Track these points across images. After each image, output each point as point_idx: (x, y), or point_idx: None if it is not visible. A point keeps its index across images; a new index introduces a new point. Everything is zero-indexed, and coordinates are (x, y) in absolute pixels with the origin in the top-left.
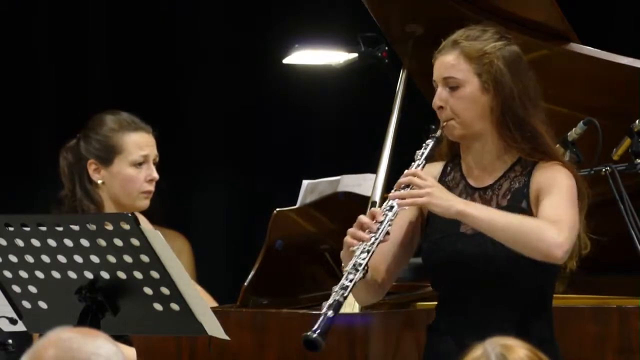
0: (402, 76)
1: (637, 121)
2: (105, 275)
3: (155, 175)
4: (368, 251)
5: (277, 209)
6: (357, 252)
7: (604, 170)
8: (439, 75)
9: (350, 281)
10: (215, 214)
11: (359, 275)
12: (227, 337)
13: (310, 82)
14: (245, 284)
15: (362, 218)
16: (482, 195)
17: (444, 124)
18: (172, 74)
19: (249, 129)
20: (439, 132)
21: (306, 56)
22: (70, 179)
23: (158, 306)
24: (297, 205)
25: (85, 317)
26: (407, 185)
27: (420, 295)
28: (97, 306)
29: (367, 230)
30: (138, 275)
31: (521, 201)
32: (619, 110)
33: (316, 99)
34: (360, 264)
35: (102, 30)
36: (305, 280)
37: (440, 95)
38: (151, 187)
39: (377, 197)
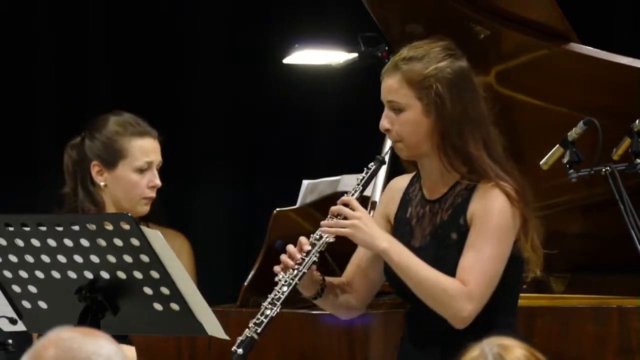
0: None
1: (637, 121)
2: (105, 275)
3: (158, 182)
4: (289, 284)
5: (277, 209)
6: (278, 286)
7: (604, 170)
8: (383, 98)
9: (266, 317)
10: (215, 214)
11: (275, 310)
12: (227, 337)
13: (310, 82)
14: (245, 284)
15: (290, 248)
16: (432, 207)
17: (393, 144)
18: (172, 74)
19: (249, 129)
20: (384, 154)
21: (306, 56)
22: (73, 177)
23: (158, 306)
24: (297, 205)
25: (85, 317)
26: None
27: None
28: (97, 306)
29: (294, 261)
30: (138, 275)
31: (460, 217)
32: (619, 110)
33: (316, 99)
34: (279, 298)
35: (102, 30)
36: None
37: (387, 117)
38: (153, 194)
39: (377, 197)
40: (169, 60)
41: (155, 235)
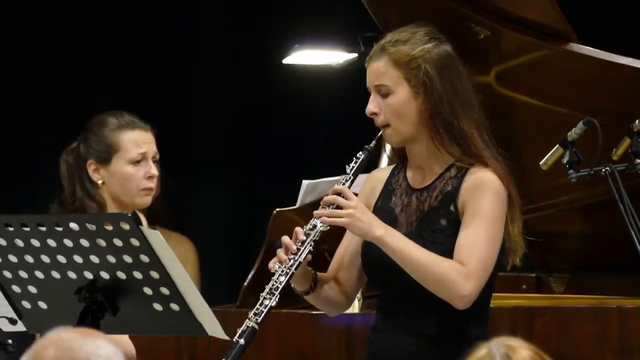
0: None
1: (637, 121)
2: (105, 275)
3: (154, 172)
4: (286, 274)
5: (277, 209)
6: (276, 276)
7: (603, 170)
8: (370, 82)
9: (265, 307)
10: (215, 214)
11: (274, 300)
12: (227, 337)
13: (310, 82)
14: (245, 284)
15: (285, 239)
16: (419, 196)
17: (382, 131)
18: (172, 74)
19: (249, 129)
20: (372, 144)
21: (306, 56)
22: (70, 181)
23: (158, 306)
24: (297, 205)
25: (85, 317)
26: (333, 203)
27: None
28: (97, 306)
29: (289, 252)
30: (138, 275)
31: (450, 204)
32: (619, 110)
33: (316, 99)
34: (277, 288)
35: (103, 31)
36: None
37: (373, 101)
38: (151, 184)
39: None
40: (170, 60)
41: (155, 236)
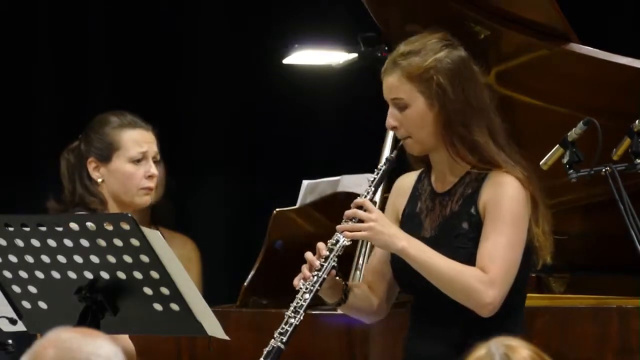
0: None
1: (637, 121)
2: (105, 275)
3: (154, 171)
4: (310, 291)
5: (277, 209)
6: (300, 293)
7: (603, 170)
8: (386, 96)
9: (290, 325)
10: (216, 214)
11: (299, 318)
12: (227, 337)
13: (310, 82)
14: (245, 284)
15: (308, 255)
16: (441, 200)
17: (402, 142)
18: (172, 74)
19: (249, 129)
20: (393, 154)
21: (306, 56)
22: (70, 180)
23: (158, 306)
24: (297, 205)
25: (85, 317)
26: (354, 217)
27: None
28: (97, 306)
29: (312, 269)
30: (138, 275)
31: (471, 207)
32: (619, 110)
33: (316, 99)
34: (302, 306)
35: (102, 30)
36: None
37: (392, 115)
38: (151, 184)
39: (377, 197)
40: (169, 60)
41: (155, 236)
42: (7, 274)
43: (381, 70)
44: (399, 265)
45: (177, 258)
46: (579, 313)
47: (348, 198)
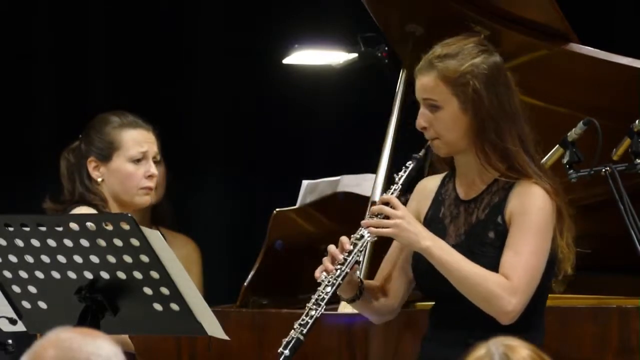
0: (402, 76)
1: (637, 121)
2: (105, 275)
3: (154, 171)
4: (333, 284)
5: (277, 209)
6: (322, 286)
7: (603, 170)
8: (419, 96)
9: (311, 317)
10: (215, 214)
11: (320, 310)
12: (227, 337)
13: (310, 82)
14: (245, 284)
15: (331, 249)
16: (467, 207)
17: (430, 142)
18: (172, 74)
19: (249, 129)
20: (421, 153)
21: (306, 56)
22: (69, 179)
23: (158, 306)
24: (297, 205)
25: (85, 317)
26: (380, 213)
27: (420, 295)
28: (97, 306)
29: (335, 262)
30: (138, 275)
31: (497, 216)
32: (619, 110)
33: (316, 99)
34: (323, 299)
35: (102, 30)
36: (305, 280)
37: (423, 115)
38: (151, 184)
39: (376, 197)
40: (169, 60)
41: (155, 236)
42: (7, 274)
43: (415, 69)
44: (422, 269)
45: (177, 258)
46: (579, 313)
47: (348, 198)
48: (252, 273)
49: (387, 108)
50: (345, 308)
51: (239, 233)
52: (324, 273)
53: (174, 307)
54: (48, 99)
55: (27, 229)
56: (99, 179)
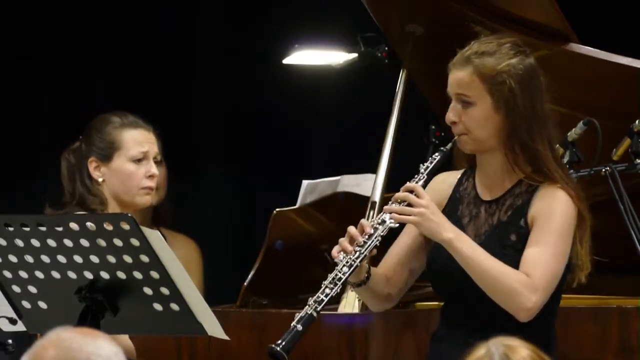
0: (402, 76)
1: (637, 121)
2: (105, 275)
3: (155, 171)
4: (350, 265)
5: (277, 209)
6: (339, 266)
7: (603, 170)
8: (452, 90)
9: (326, 295)
10: (216, 214)
11: (336, 289)
12: (227, 337)
13: (310, 82)
14: (245, 284)
15: (351, 230)
16: (488, 208)
17: (457, 137)
18: (172, 74)
19: (249, 129)
20: (448, 146)
21: (306, 56)
22: (70, 180)
23: (158, 306)
24: (297, 205)
25: (85, 317)
26: (404, 200)
27: (420, 296)
28: (97, 306)
29: (354, 243)
30: (138, 275)
31: (520, 219)
32: (619, 110)
33: (316, 99)
34: (340, 279)
35: (102, 30)
36: (305, 280)
37: (454, 110)
38: (151, 183)
39: (377, 197)
40: (169, 60)
41: (155, 236)
42: (7, 274)
43: (449, 63)
44: (438, 267)
45: (177, 258)
46: (579, 313)
47: (348, 198)
48: (252, 273)
49: (387, 108)
50: (345, 308)
51: (239, 233)
52: (342, 253)
53: (174, 307)
54: (48, 99)
55: (27, 229)
56: (100, 179)
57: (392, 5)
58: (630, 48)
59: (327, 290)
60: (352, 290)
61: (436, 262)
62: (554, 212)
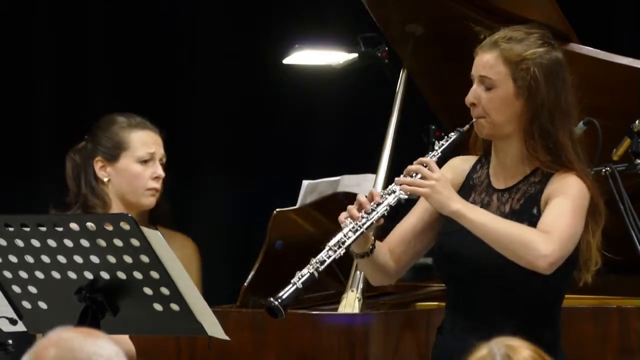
0: (402, 76)
1: (637, 121)
2: (105, 275)
3: (161, 172)
4: (356, 231)
5: (277, 209)
6: (345, 230)
7: (603, 170)
8: (476, 72)
9: (329, 257)
10: (215, 214)
11: (339, 253)
12: (227, 337)
13: (310, 82)
14: (245, 284)
15: (360, 197)
16: (500, 197)
17: (475, 120)
18: (172, 74)
19: (249, 129)
20: (465, 127)
21: (306, 56)
22: (75, 180)
23: (158, 306)
24: (297, 205)
25: (85, 317)
26: (416, 173)
27: (420, 295)
28: (97, 306)
29: (362, 210)
30: (138, 275)
31: (533, 207)
32: (619, 110)
33: (316, 99)
34: (344, 242)
35: (102, 30)
36: None
37: (475, 92)
38: (157, 185)
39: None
40: (169, 60)
41: (155, 236)
42: (7, 274)
43: (477, 47)
44: (445, 254)
45: (177, 258)
46: (579, 313)
47: (348, 198)
48: (252, 273)
49: (387, 108)
50: (345, 308)
51: (239, 233)
52: (349, 218)
53: (174, 307)
54: (48, 99)
55: (27, 229)
56: (105, 179)
57: (392, 5)
58: (630, 48)
59: (331, 253)
60: (356, 260)
61: (445, 246)
62: (569, 188)
